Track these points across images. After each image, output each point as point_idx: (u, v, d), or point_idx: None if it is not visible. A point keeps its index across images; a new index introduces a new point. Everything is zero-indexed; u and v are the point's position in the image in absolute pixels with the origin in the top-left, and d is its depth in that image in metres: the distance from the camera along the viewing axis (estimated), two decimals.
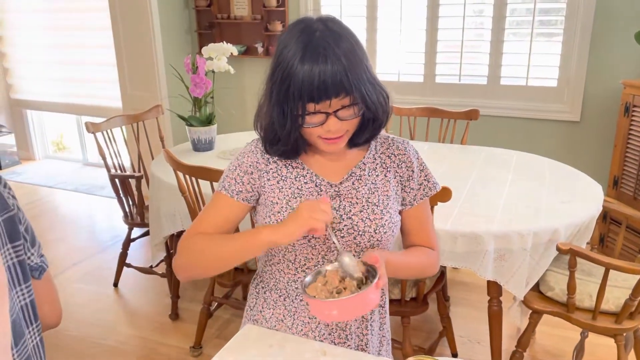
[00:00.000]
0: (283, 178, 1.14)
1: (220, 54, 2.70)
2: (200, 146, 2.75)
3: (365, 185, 1.14)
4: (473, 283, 2.98)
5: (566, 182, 2.28)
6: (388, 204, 1.14)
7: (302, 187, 1.13)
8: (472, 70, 3.56)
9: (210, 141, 2.77)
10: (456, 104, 3.51)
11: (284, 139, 1.07)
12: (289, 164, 1.14)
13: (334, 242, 1.04)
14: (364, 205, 1.12)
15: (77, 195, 4.57)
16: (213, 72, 2.71)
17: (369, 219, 1.11)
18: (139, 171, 2.99)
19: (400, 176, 1.18)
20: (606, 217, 2.98)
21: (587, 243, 2.05)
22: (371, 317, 1.22)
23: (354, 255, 1.08)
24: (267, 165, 1.14)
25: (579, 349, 2.18)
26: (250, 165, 1.14)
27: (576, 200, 2.08)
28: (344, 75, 0.97)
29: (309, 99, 0.98)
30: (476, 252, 1.83)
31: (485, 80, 3.52)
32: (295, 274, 1.16)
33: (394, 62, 3.73)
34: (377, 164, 1.17)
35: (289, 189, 1.13)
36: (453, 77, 3.62)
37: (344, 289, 0.99)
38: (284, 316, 1.20)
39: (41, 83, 5.07)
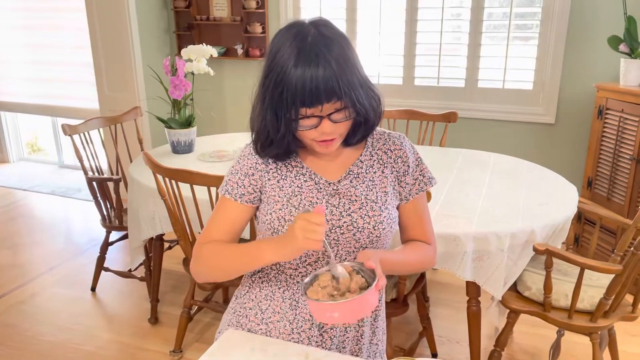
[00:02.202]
0: (283, 177, 1.16)
1: (199, 56, 2.69)
2: (180, 148, 2.73)
3: (363, 183, 1.17)
4: (452, 284, 3.02)
5: (542, 184, 2.32)
6: (386, 200, 1.17)
7: (302, 185, 1.15)
8: (450, 73, 3.61)
9: (189, 143, 2.75)
10: (435, 106, 3.55)
11: (277, 142, 1.09)
12: (288, 163, 1.17)
13: (327, 252, 1.05)
14: (362, 203, 1.15)
15: (53, 198, 4.49)
16: (192, 74, 2.69)
17: (368, 215, 1.14)
18: (117, 174, 2.96)
19: (396, 171, 1.20)
20: (580, 217, 3.04)
21: (563, 243, 2.09)
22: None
23: (350, 253, 1.14)
24: (266, 165, 1.17)
25: (555, 347, 2.22)
26: (250, 167, 1.17)
27: (552, 201, 2.12)
28: (334, 81, 0.98)
29: (302, 103, 1.00)
30: (455, 253, 1.86)
31: (463, 83, 3.57)
32: (297, 269, 1.18)
33: (373, 65, 3.75)
34: (374, 160, 1.20)
35: (289, 187, 1.15)
36: (432, 80, 3.65)
37: (348, 291, 1.01)
38: (281, 308, 1.20)
39: (15, 84, 4.97)
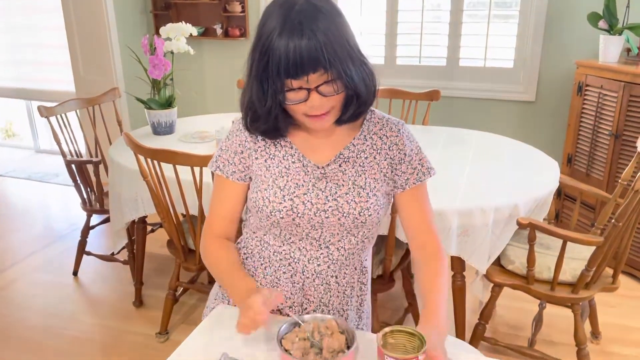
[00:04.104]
0: (271, 156, 1.14)
1: (179, 34, 2.64)
2: (161, 129, 2.69)
3: (353, 168, 1.14)
4: None
5: (524, 160, 2.35)
6: (375, 186, 1.13)
7: (289, 166, 1.13)
8: (432, 52, 3.60)
9: (170, 124, 2.70)
10: (417, 85, 3.54)
11: (263, 116, 1.06)
12: (277, 142, 1.15)
13: (301, 324, 1.03)
14: (350, 188, 1.12)
15: (30, 183, 4.40)
16: (172, 53, 2.64)
17: (354, 201, 1.11)
18: (97, 156, 2.90)
19: (390, 158, 1.15)
20: (561, 193, 3.09)
21: (544, 218, 2.12)
22: (351, 294, 1.24)
23: (334, 235, 1.14)
24: (255, 143, 1.15)
25: (538, 320, 2.27)
26: (239, 145, 1.15)
27: (534, 176, 2.14)
28: (320, 50, 0.95)
29: (286, 74, 0.97)
30: (440, 228, 1.86)
31: (445, 61, 3.57)
32: (280, 246, 1.17)
33: None
34: (368, 145, 1.15)
35: (277, 167, 1.13)
36: (413, 59, 3.65)
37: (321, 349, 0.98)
38: (261, 284, 1.21)
39: None
